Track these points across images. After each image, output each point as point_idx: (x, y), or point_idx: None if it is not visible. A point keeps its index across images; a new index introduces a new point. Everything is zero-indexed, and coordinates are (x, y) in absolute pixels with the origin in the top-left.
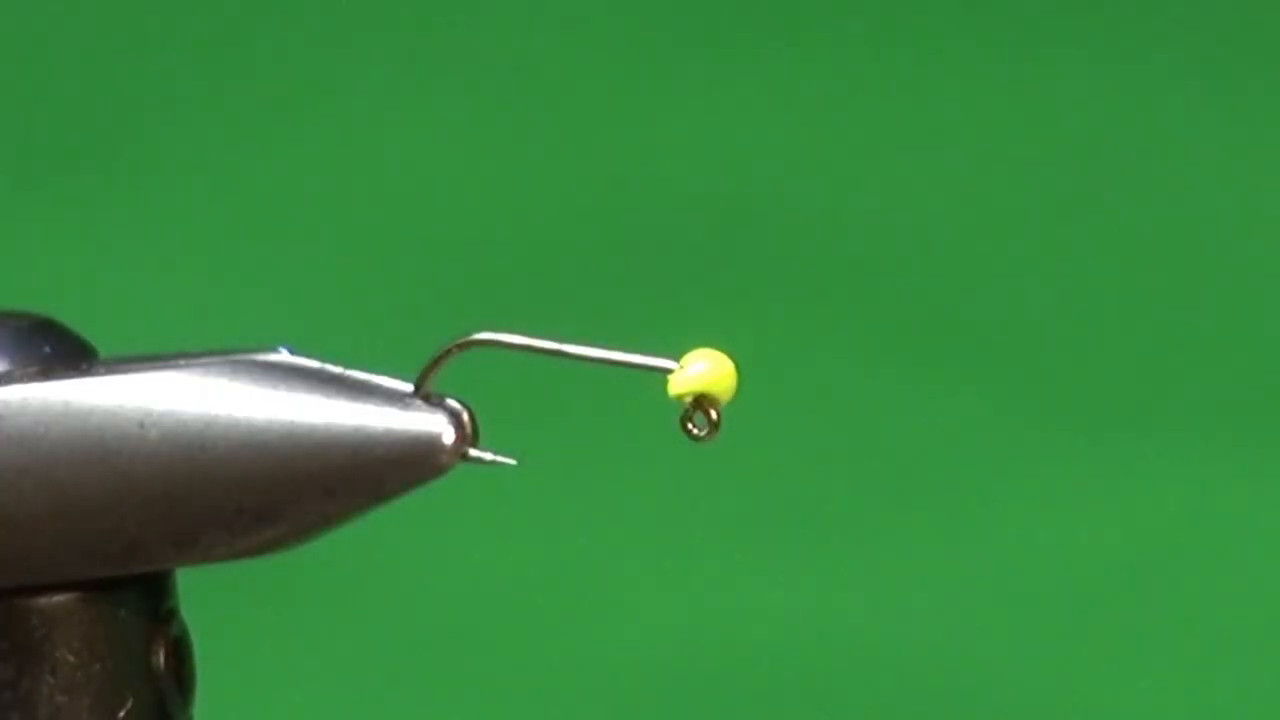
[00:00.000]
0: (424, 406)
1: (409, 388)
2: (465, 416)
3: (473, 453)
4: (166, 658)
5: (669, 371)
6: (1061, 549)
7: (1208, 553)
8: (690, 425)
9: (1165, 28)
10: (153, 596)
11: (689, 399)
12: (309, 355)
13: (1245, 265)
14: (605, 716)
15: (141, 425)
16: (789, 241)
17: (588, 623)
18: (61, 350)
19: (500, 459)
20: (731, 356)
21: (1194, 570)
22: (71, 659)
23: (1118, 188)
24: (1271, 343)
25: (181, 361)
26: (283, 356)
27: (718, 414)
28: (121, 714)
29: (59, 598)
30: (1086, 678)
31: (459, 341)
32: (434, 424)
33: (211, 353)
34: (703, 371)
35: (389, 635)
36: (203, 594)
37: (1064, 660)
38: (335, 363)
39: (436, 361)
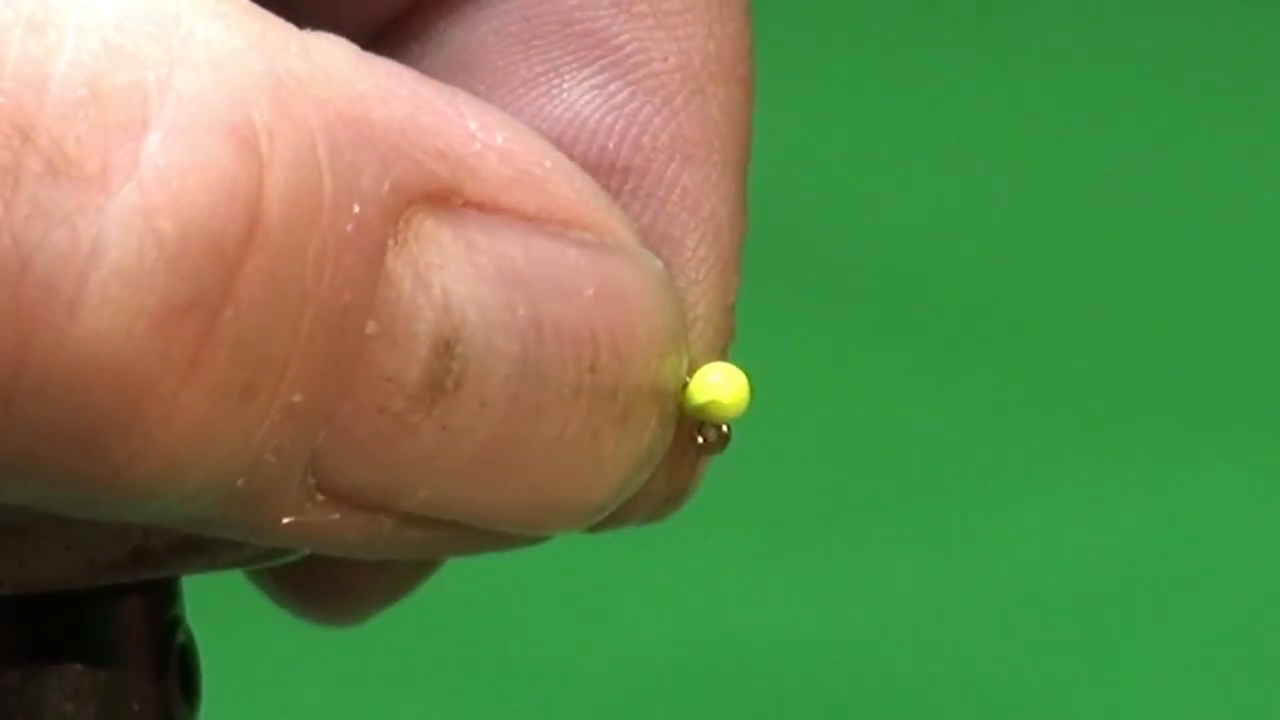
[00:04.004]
0: None
1: None
2: None
3: None
4: (172, 666)
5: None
6: (1062, 549)
7: (1208, 553)
8: (700, 438)
9: (1170, 30)
10: (159, 604)
11: (701, 412)
12: None
13: (1246, 268)
14: (603, 717)
15: None
16: (790, 244)
17: (586, 625)
18: None
19: None
20: (742, 367)
21: (1194, 570)
22: (77, 666)
23: (1121, 191)
24: (1272, 345)
25: None
26: None
27: (728, 427)
28: None
29: (65, 605)
30: (1087, 677)
31: None
32: None
33: None
34: (716, 384)
35: (391, 642)
36: (209, 601)
37: (1064, 660)
38: None
39: None
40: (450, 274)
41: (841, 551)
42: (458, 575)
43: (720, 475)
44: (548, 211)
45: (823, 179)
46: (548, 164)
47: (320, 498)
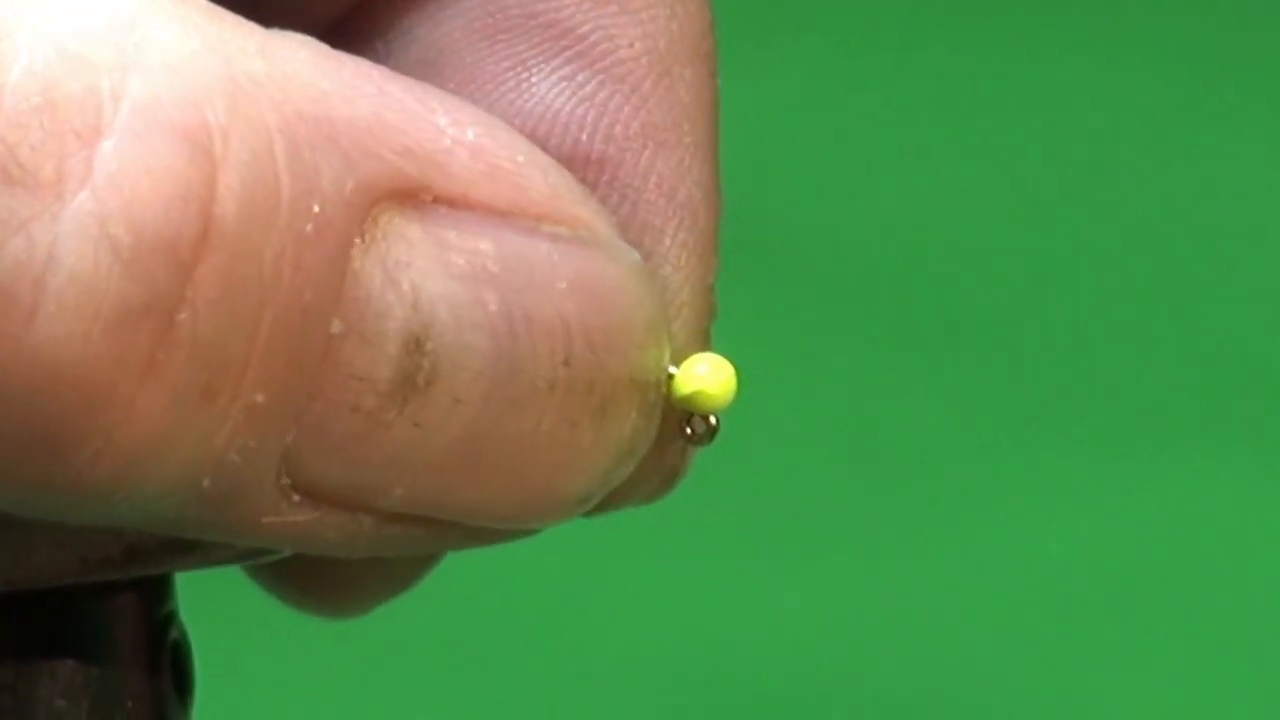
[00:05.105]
0: None
1: None
2: None
3: None
4: (165, 661)
5: (669, 376)
6: (1060, 549)
7: (1206, 553)
8: (689, 429)
9: (1164, 19)
10: (151, 600)
11: (688, 403)
12: None
13: (1245, 268)
14: (603, 718)
15: None
16: (789, 243)
17: (585, 625)
18: None
19: None
20: (730, 358)
21: (1192, 570)
22: (70, 663)
23: (1120, 191)
24: (1270, 346)
25: None
26: None
27: (716, 419)
28: (120, 717)
29: (58, 601)
30: (1085, 677)
31: None
32: None
33: None
34: (703, 375)
35: (387, 638)
36: (202, 597)
37: (1062, 660)
38: None
39: None
40: (419, 271)
41: (833, 549)
42: (449, 575)
43: (713, 473)
44: (520, 206)
45: (815, 171)
46: (520, 158)
47: (297, 498)
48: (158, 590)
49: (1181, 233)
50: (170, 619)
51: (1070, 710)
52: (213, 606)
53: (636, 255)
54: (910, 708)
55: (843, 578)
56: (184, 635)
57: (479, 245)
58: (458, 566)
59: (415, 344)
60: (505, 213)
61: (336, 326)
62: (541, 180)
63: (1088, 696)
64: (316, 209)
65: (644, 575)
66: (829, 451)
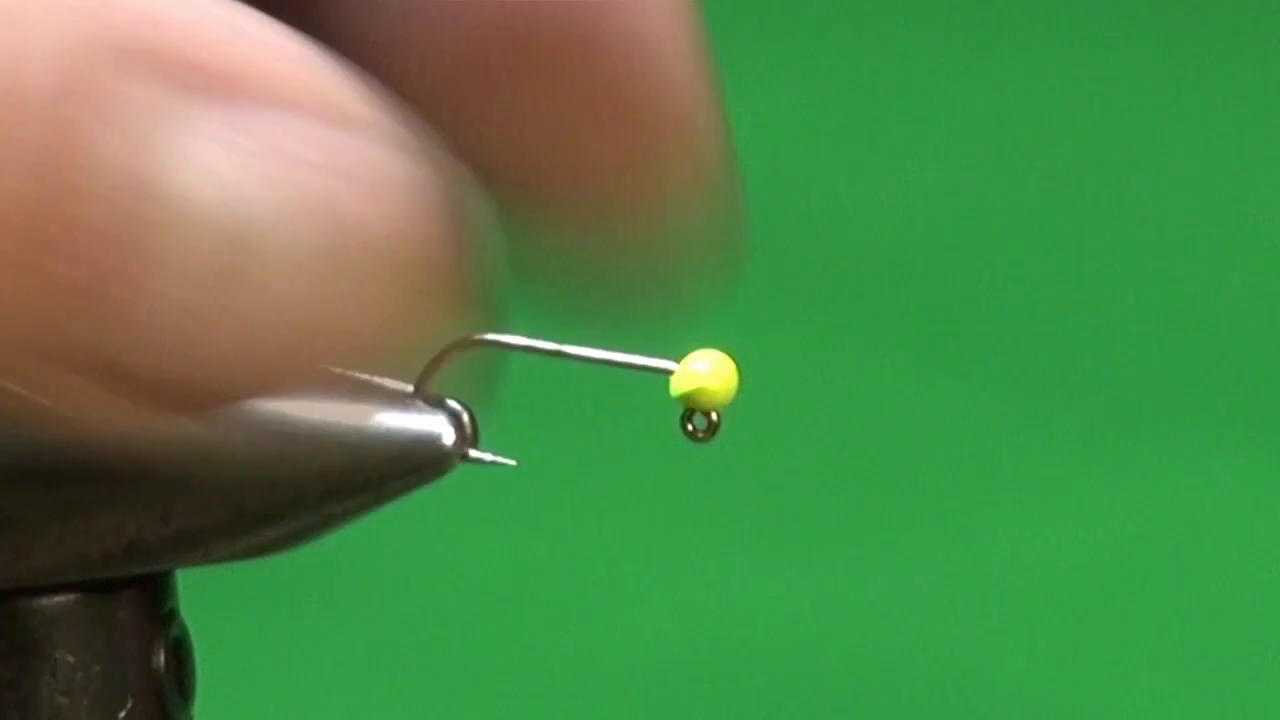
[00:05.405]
0: (424, 407)
1: (409, 388)
2: (465, 417)
3: (473, 453)
4: (167, 659)
5: (670, 372)
6: (1061, 549)
7: (1206, 552)
8: (690, 426)
9: (1170, 29)
10: (153, 597)
11: (689, 400)
12: None
13: (1244, 267)
14: (605, 716)
15: None
16: (790, 242)
17: (587, 623)
18: None
19: (500, 460)
20: (732, 357)
21: (1192, 570)
22: (71, 660)
23: (1119, 189)
24: (1270, 346)
25: None
26: None
27: (718, 415)
28: (121, 715)
29: (58, 599)
30: (1085, 677)
31: (458, 341)
32: (434, 425)
33: None
34: (703, 372)
35: (389, 636)
36: (203, 594)
37: (1062, 659)
38: None
39: (437, 361)
40: (198, 150)
41: (840, 549)
42: (450, 572)
43: (715, 470)
44: (295, 94)
45: (816, 172)
46: (295, 49)
47: (119, 386)
48: (159, 587)
49: (1184, 234)
50: (172, 616)
51: (1070, 707)
52: (213, 604)
53: (414, 142)
54: (911, 705)
55: (844, 576)
56: (185, 632)
57: (259, 128)
58: (459, 564)
59: (220, 231)
60: (282, 98)
61: (85, 186)
62: (320, 70)
63: (1088, 694)
64: (49, 60)
65: (645, 573)
66: (830, 449)
